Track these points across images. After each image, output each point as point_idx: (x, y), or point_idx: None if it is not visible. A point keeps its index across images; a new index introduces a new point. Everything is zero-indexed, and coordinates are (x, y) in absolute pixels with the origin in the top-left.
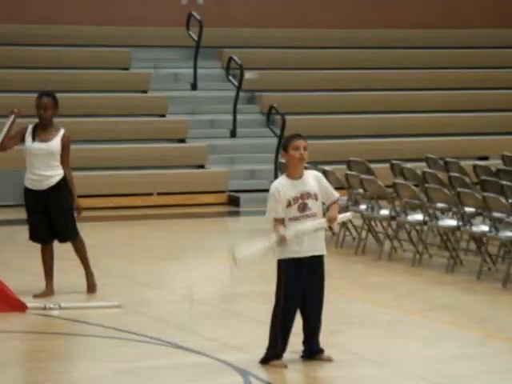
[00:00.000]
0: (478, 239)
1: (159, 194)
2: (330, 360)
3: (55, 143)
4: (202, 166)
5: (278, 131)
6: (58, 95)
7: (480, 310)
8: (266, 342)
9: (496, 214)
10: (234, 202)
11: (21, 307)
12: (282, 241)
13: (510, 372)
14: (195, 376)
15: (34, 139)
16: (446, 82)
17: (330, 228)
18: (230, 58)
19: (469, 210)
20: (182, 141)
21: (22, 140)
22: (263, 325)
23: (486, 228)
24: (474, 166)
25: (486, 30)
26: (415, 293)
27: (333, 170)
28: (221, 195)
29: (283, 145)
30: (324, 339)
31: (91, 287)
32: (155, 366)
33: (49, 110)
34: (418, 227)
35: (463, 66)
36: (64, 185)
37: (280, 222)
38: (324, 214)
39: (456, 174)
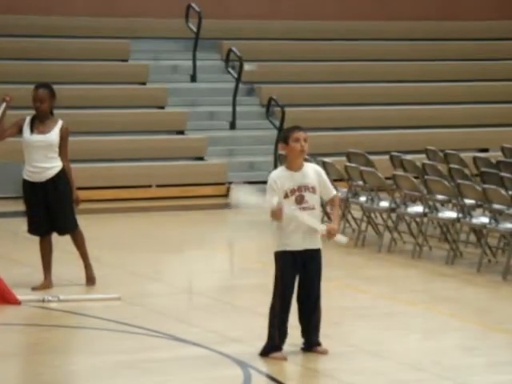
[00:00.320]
0: (478, 231)
1: (158, 185)
2: (325, 353)
3: (53, 135)
4: (201, 158)
5: (277, 123)
6: (57, 87)
7: (480, 302)
8: (265, 335)
9: (496, 206)
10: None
11: (13, 300)
12: (275, 213)
13: (510, 364)
14: (195, 368)
15: (32, 131)
16: (447, 74)
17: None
18: (230, 50)
19: (469, 201)
20: (181, 133)
21: (20, 131)
22: (263, 317)
23: (485, 220)
24: (474, 158)
25: (486, 22)
26: (415, 285)
27: (332, 161)
28: (220, 187)
29: (283, 137)
30: (324, 331)
31: (90, 280)
32: (155, 359)
33: (45, 102)
34: (417, 219)
35: (464, 57)
36: (63, 177)
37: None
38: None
39: (456, 166)
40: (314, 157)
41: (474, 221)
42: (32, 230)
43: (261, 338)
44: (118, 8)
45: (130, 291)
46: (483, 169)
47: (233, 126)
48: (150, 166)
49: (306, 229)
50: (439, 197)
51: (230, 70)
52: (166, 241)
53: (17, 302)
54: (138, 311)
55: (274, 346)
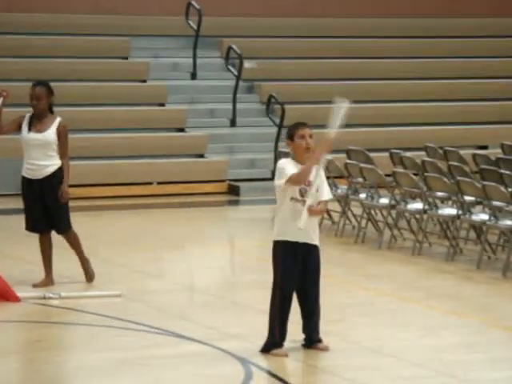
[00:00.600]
0: (478, 228)
1: (159, 183)
2: (326, 349)
3: (50, 133)
4: (201, 155)
5: (277, 120)
6: (58, 84)
7: (480, 299)
8: (266, 331)
9: (496, 203)
10: (233, 191)
11: (13, 298)
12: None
13: (510, 360)
14: (195, 365)
15: (29, 129)
16: (446, 71)
17: (330, 216)
18: (230, 48)
19: (468, 198)
20: (182, 130)
21: (19, 128)
22: (263, 314)
23: (485, 217)
24: (474, 155)
25: (485, 19)
26: (415, 282)
27: (332, 158)
28: (220, 184)
29: (288, 133)
30: (324, 328)
31: (89, 276)
32: (156, 355)
33: (42, 100)
34: (417, 216)
35: (463, 55)
36: (60, 175)
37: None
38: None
39: (455, 163)
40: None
41: (474, 218)
42: (29, 227)
43: (262, 335)
44: (119, 6)
45: (130, 288)
46: (483, 166)
47: (233, 124)
48: (151, 163)
49: (308, 223)
50: (439, 194)
51: (230, 67)
52: (167, 238)
53: (17, 300)
54: (139, 308)
55: (274, 342)
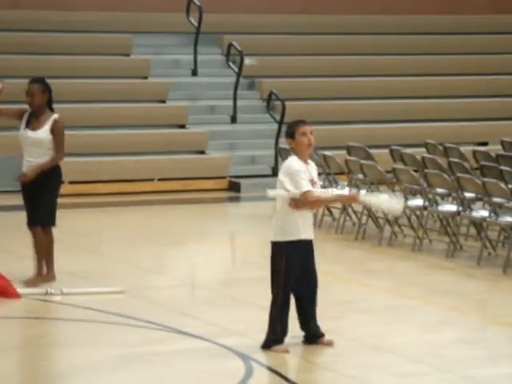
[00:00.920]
0: (478, 224)
1: (160, 179)
2: (330, 344)
3: (44, 131)
4: (202, 152)
5: (278, 117)
6: (59, 81)
7: (480, 295)
8: (266, 327)
9: (496, 199)
10: (234, 187)
11: (14, 294)
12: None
13: (510, 357)
14: (197, 361)
15: (26, 126)
16: (446, 68)
17: (330, 213)
18: (230, 44)
19: (468, 195)
20: (183, 127)
21: (19, 119)
22: (264, 310)
23: (485, 213)
24: (474, 152)
25: (485, 16)
26: (415, 278)
27: (333, 155)
28: (221, 181)
29: (288, 132)
30: (324, 325)
31: (41, 276)
32: (157, 351)
33: (36, 97)
34: (417, 212)
35: (462, 51)
36: (53, 173)
37: (312, 195)
38: None
39: (456, 160)
40: (314, 150)
41: (474, 214)
42: (27, 224)
43: (262, 331)
44: (120, 2)
45: (132, 284)
46: (483, 162)
47: (234, 120)
48: (152, 159)
49: (310, 218)
50: (439, 190)
51: (230, 64)
52: (168, 234)
53: (17, 296)
54: (141, 304)
55: (275, 338)
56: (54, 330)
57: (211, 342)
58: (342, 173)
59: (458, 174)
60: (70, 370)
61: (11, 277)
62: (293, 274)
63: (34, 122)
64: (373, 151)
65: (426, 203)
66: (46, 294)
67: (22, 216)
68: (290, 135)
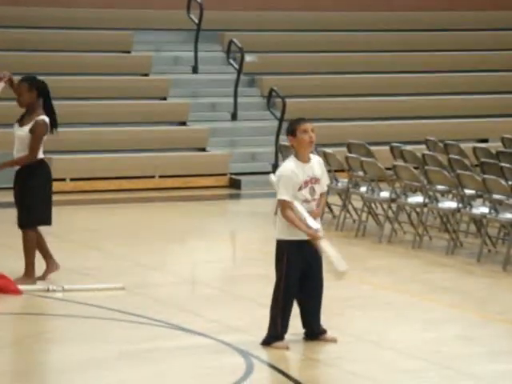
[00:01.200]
0: (478, 221)
1: (160, 176)
2: (334, 340)
3: (25, 130)
4: (203, 149)
5: (278, 114)
6: (60, 78)
7: (480, 292)
8: (267, 324)
9: (496, 196)
10: (234, 184)
11: (15, 291)
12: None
13: (510, 354)
14: (197, 357)
15: (18, 121)
16: (447, 65)
17: (331, 210)
18: (231, 41)
19: (469, 192)
20: (183, 123)
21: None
22: (265, 307)
23: (485, 210)
24: (474, 148)
25: (486, 12)
26: (415, 275)
27: (333, 152)
28: (222, 178)
29: (289, 129)
30: (325, 321)
31: (30, 275)
32: (158, 348)
33: (22, 96)
34: (418, 209)
35: (463, 48)
36: (33, 172)
37: (288, 205)
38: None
39: (456, 157)
40: (314, 147)
41: (474, 211)
42: None
43: (263, 328)
44: (121, 0)
45: (133, 281)
46: (483, 159)
47: (234, 117)
48: (153, 156)
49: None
50: (439, 187)
51: (231, 61)
52: (169, 231)
53: (18, 293)
54: (142, 301)
55: (276, 335)
56: (55, 326)
57: (212, 338)
58: (342, 170)
59: (458, 171)
60: (71, 366)
61: (13, 273)
62: (294, 272)
63: (25, 119)
64: (373, 148)
65: (426, 200)
66: (48, 290)
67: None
68: (291, 132)
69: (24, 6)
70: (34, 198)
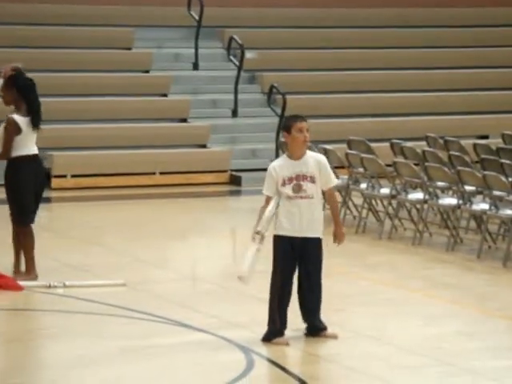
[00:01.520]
0: (479, 217)
1: (161, 173)
2: (334, 337)
3: (2, 127)
4: (203, 146)
5: (279, 111)
6: (61, 75)
7: (480, 288)
8: (267, 320)
9: (496, 193)
10: (235, 181)
11: (16, 287)
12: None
13: (510, 350)
14: (198, 353)
15: None
16: (447, 61)
17: None
18: (231, 38)
19: (469, 188)
20: (184, 120)
21: None
22: (265, 303)
23: (486, 206)
24: (474, 145)
25: (485, 9)
26: (415, 271)
27: (333, 148)
28: (222, 174)
29: (285, 126)
30: (325, 317)
31: (19, 273)
32: (159, 344)
33: (4, 93)
34: (418, 206)
35: (463, 44)
36: (10, 169)
37: (268, 200)
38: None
39: (456, 153)
40: (315, 144)
41: (475, 207)
42: None
43: (263, 324)
44: None
45: (134, 277)
46: (483, 155)
47: (235, 114)
48: (153, 153)
49: (307, 216)
50: (439, 183)
51: (231, 57)
52: (169, 227)
53: (20, 289)
54: (142, 297)
55: (275, 331)
56: (56, 322)
57: (212, 334)
58: (342, 166)
59: (459, 168)
60: (71, 362)
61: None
62: (286, 267)
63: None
64: (373, 145)
65: (427, 196)
66: (49, 286)
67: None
68: (286, 129)
69: (26, 2)
70: (13, 195)
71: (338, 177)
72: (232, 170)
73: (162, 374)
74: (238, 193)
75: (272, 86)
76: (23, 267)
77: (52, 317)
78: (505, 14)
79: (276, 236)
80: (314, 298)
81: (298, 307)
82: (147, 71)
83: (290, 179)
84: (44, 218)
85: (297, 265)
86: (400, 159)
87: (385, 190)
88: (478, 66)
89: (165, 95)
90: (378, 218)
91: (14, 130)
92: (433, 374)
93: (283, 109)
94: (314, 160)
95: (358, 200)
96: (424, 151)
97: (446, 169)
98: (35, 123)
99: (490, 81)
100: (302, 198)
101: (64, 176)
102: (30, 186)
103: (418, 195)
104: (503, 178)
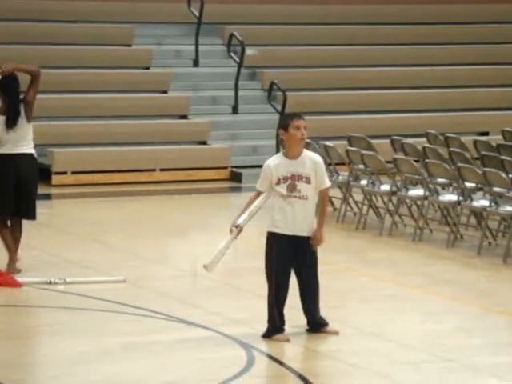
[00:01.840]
0: (479, 214)
1: (161, 170)
2: (335, 333)
3: None
4: (204, 142)
5: (279, 107)
6: (61, 71)
7: (480, 285)
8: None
9: (496, 189)
10: (235, 177)
11: (14, 283)
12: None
13: (510, 345)
14: (199, 350)
15: None
16: (447, 58)
17: (331, 203)
18: (231, 35)
19: (469, 184)
20: (184, 117)
21: None
22: (265, 299)
23: (486, 203)
24: (475, 141)
25: (486, 5)
26: (416, 268)
27: (334, 145)
28: (223, 171)
29: (282, 124)
30: (325, 314)
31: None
32: (159, 340)
33: None
34: (418, 202)
35: (464, 41)
36: None
37: (258, 195)
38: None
39: (456, 150)
40: (315, 140)
41: (475, 204)
42: None
43: (264, 320)
44: None
45: (134, 274)
46: (483, 152)
47: (235, 111)
48: (154, 150)
49: (301, 215)
50: (440, 180)
51: (231, 54)
52: (170, 224)
53: (19, 285)
54: (143, 293)
55: (276, 328)
56: (57, 318)
57: (213, 330)
58: (342, 163)
59: (459, 164)
60: (72, 358)
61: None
62: (281, 264)
63: None
64: (374, 141)
65: (427, 193)
66: (50, 283)
67: None
68: (284, 127)
69: None
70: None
71: (338, 174)
72: (232, 167)
73: (163, 370)
74: (238, 189)
75: (272, 83)
76: (18, 263)
77: (53, 313)
78: (505, 10)
79: (271, 233)
80: (312, 294)
81: (298, 303)
82: (147, 68)
83: (285, 178)
84: (44, 215)
85: (292, 262)
86: (400, 156)
87: (385, 187)
88: (479, 63)
89: (165, 92)
90: (378, 215)
91: None
92: (433, 369)
93: (283, 105)
94: (310, 160)
95: (359, 196)
96: (424, 148)
97: (446, 165)
98: (9, 124)
99: (491, 77)
100: (295, 197)
101: (64, 173)
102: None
103: (418, 192)
104: (503, 175)
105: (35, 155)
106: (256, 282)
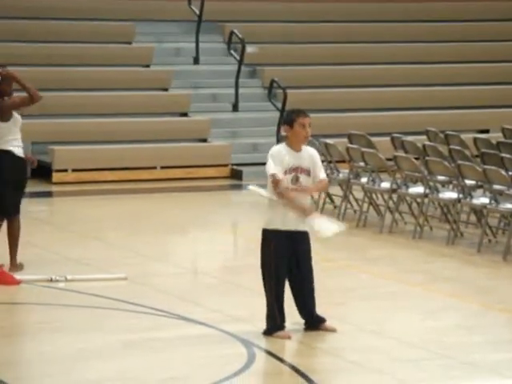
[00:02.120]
0: (479, 211)
1: (162, 167)
2: (333, 330)
3: None
4: (204, 140)
5: (279, 105)
6: (62, 69)
7: (480, 282)
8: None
9: (496, 187)
10: (236, 175)
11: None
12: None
13: (510, 343)
14: (199, 347)
15: None
16: (447, 55)
17: (332, 200)
18: (232, 32)
19: (469, 182)
20: (185, 115)
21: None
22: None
23: (486, 200)
24: (475, 139)
25: (485, 3)
26: (416, 265)
27: (334, 143)
28: (223, 169)
29: (287, 119)
30: (325, 311)
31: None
32: (160, 337)
33: None
34: (418, 200)
35: (464, 38)
36: None
37: (277, 182)
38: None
39: (456, 147)
40: (316, 138)
41: (475, 201)
42: None
43: (264, 318)
44: None
45: (135, 271)
46: (483, 150)
47: (235, 108)
48: (154, 147)
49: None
50: (440, 177)
51: (232, 52)
52: (170, 222)
53: (17, 283)
54: (144, 291)
55: (276, 325)
56: (57, 315)
57: (214, 328)
58: (343, 161)
59: (459, 162)
60: (75, 356)
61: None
62: (281, 260)
63: None
64: (374, 139)
65: (427, 190)
66: (51, 280)
67: (28, 203)
68: (289, 123)
69: None
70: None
71: (338, 171)
72: (233, 164)
73: (164, 368)
74: (238, 187)
75: (272, 81)
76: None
77: (53, 311)
78: (505, 8)
79: (267, 230)
80: (309, 289)
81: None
82: (148, 65)
83: (291, 170)
84: (45, 212)
85: (290, 257)
86: (400, 153)
87: (385, 184)
88: (480, 61)
89: (165, 89)
90: (378, 212)
91: None
92: (433, 367)
93: (284, 103)
94: (308, 154)
95: (359, 194)
96: (424, 145)
97: (446, 163)
98: None
99: (491, 75)
100: (297, 190)
101: (65, 170)
102: None
103: (418, 189)
104: (503, 172)
105: (15, 152)
106: (257, 279)
